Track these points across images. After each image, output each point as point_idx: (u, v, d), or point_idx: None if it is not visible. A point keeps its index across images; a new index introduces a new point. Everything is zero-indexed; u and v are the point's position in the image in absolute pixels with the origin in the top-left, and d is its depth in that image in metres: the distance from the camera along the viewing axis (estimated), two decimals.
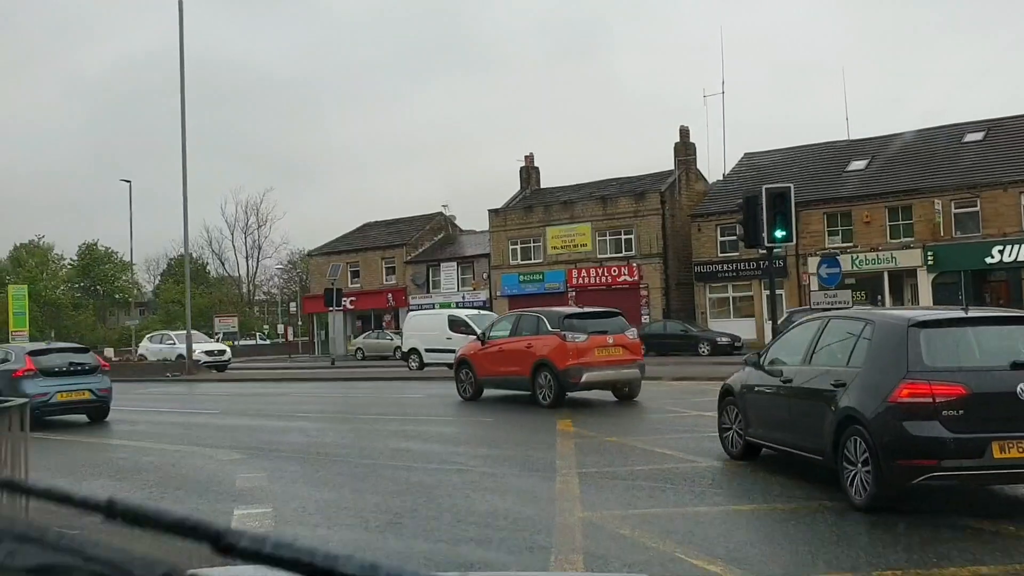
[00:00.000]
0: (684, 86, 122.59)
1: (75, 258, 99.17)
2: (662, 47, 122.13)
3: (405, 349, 33.68)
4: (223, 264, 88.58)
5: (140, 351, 44.33)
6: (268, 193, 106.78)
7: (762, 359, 9.30)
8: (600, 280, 46.07)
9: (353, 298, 54.65)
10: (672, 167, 48.04)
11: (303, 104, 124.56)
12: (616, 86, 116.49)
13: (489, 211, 51.12)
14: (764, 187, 17.19)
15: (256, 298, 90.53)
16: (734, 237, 38.62)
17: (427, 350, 31.10)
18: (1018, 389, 6.55)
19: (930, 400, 6.62)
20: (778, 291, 32.43)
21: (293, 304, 69.08)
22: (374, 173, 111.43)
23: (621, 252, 46.12)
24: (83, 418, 16.88)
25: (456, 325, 29.97)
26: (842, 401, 7.30)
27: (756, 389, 9.26)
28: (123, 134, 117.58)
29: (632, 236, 45.71)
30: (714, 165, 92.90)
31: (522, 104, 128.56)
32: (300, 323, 65.08)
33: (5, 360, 16.21)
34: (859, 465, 7.01)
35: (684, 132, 48.31)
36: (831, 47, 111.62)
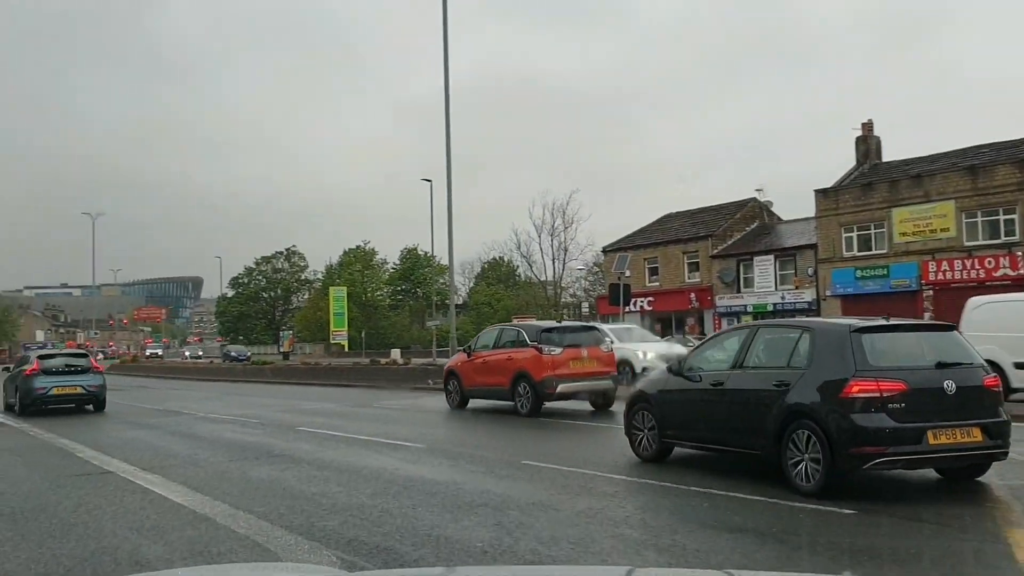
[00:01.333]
0: None
1: (397, 262, 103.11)
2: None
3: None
4: (531, 267, 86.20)
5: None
6: (574, 195, 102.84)
7: (683, 367, 9.80)
8: (968, 275, 35.07)
9: (651, 298, 47.67)
10: None
11: (611, 111, 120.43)
12: (954, 71, 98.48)
13: (816, 192, 41.67)
14: None
15: (562, 300, 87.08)
16: None
17: None
18: (944, 385, 7.72)
19: (877, 395, 7.56)
20: None
21: (586, 305, 63.91)
22: (686, 176, 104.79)
23: (999, 238, 34.81)
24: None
25: None
26: (788, 399, 8.13)
27: (678, 395, 9.75)
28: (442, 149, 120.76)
29: (1015, 216, 34.29)
30: None
31: (844, 95, 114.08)
32: None
33: (25, 361, 21.89)
34: (806, 455, 7.87)
35: None
36: None
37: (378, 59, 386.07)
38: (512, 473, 9.85)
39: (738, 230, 47.86)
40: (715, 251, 46.53)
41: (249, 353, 69.07)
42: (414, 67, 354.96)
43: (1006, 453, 8.07)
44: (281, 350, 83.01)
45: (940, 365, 7.91)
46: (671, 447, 10.01)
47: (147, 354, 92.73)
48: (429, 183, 58.62)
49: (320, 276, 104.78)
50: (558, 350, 16.17)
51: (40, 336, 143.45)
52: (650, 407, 10.11)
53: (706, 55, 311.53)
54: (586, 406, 16.99)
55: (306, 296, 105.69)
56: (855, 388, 7.61)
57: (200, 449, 12.78)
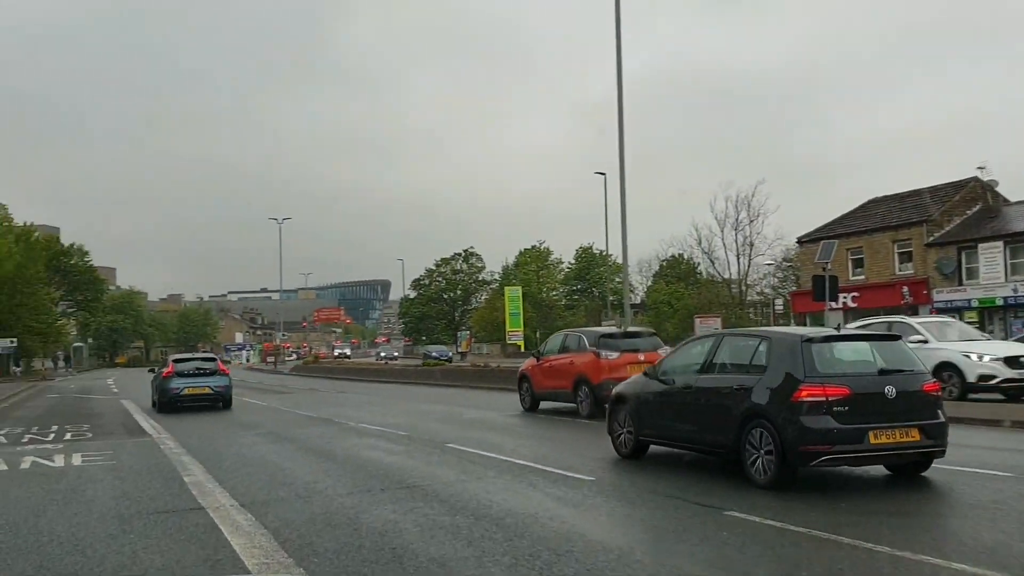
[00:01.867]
0: None
1: (572, 261, 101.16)
2: None
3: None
4: (713, 263, 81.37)
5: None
6: (760, 186, 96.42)
7: (657, 371, 10.71)
8: None
9: (855, 293, 42.58)
10: None
11: (797, 101, 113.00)
12: None
13: None
14: None
15: (748, 298, 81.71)
16: None
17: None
18: (885, 390, 8.44)
19: (823, 399, 8.27)
20: None
21: (779, 302, 58.85)
22: (884, 167, 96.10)
23: None
24: None
25: None
26: (747, 402, 8.86)
27: (652, 396, 10.55)
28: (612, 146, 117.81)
29: None
30: None
31: None
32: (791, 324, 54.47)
33: (164, 364, 24.23)
34: (762, 452, 8.61)
35: None
36: None
37: (553, 62, 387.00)
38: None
39: (958, 214, 41.94)
40: (931, 238, 40.90)
41: (451, 353, 67.61)
42: (590, 67, 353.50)
43: (943, 451, 8.84)
44: (459, 350, 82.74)
45: (882, 372, 8.74)
46: (647, 445, 10.87)
47: (335, 354, 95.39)
48: (603, 176, 55.95)
49: (497, 276, 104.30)
50: (615, 354, 16.82)
51: (239, 338, 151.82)
52: (628, 408, 10.95)
53: (909, 32, 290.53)
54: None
55: (483, 297, 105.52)
56: (804, 393, 8.35)
57: (324, 475, 10.56)
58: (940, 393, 9.17)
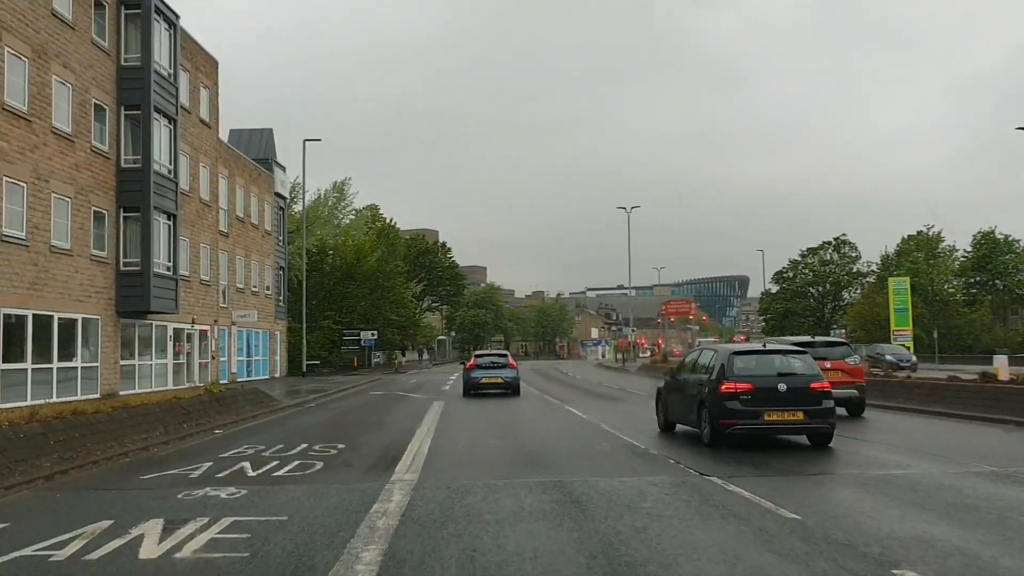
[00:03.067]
0: None
1: (968, 249, 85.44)
2: None
3: None
4: None
5: None
6: None
7: (675, 373, 16.41)
8: None
9: None
10: None
11: None
12: None
13: None
14: None
15: None
16: None
17: None
18: (778, 386, 13.14)
19: (735, 391, 13.08)
20: None
21: None
22: None
23: None
24: None
25: None
26: (701, 393, 13.95)
27: (670, 391, 16.21)
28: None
29: None
30: None
31: None
32: None
33: (462, 361, 36.50)
34: (707, 424, 13.55)
35: None
36: None
37: (929, 36, 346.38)
38: None
39: None
40: None
41: (915, 358, 44.62)
42: (972, 39, 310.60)
43: (828, 428, 13.33)
44: None
45: (779, 375, 13.48)
46: (674, 424, 15.98)
47: None
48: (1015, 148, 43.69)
49: (874, 268, 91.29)
50: None
51: (594, 333, 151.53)
52: (661, 399, 16.73)
53: None
54: (841, 411, 17.45)
55: (858, 291, 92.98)
56: (724, 387, 13.23)
57: None
58: (828, 389, 13.46)
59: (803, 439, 13.87)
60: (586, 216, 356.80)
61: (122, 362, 27.92)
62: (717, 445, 13.15)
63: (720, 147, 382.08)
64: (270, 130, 47.90)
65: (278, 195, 47.60)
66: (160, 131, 29.16)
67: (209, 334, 36.16)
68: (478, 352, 33.24)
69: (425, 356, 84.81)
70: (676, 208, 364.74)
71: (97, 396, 25.65)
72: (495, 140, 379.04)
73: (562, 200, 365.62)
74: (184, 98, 33.12)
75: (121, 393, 25.92)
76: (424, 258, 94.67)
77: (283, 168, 48.93)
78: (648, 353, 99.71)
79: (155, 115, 28.52)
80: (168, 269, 29.61)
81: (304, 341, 49.44)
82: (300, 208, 60.42)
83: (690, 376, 14.91)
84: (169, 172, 29.86)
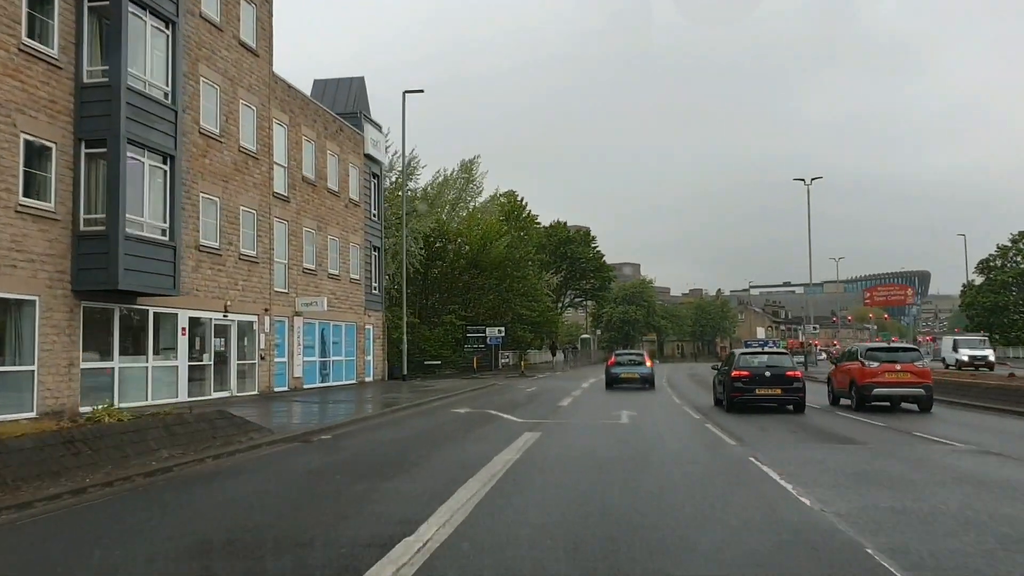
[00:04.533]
0: None
1: None
2: None
3: None
4: None
5: None
6: None
7: (720, 367, 25.07)
8: None
9: None
10: None
11: None
12: None
13: None
14: None
15: None
16: None
17: None
18: (766, 372, 21.56)
19: (739, 375, 21.59)
20: None
21: None
22: None
23: None
24: None
25: None
26: (725, 377, 22.76)
27: (718, 379, 24.22)
28: None
29: None
30: None
31: None
32: None
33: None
34: (726, 396, 22.25)
35: None
36: None
37: None
38: None
39: None
40: None
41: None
42: None
43: (799, 399, 21.32)
44: None
45: (767, 366, 21.85)
46: (722, 400, 23.07)
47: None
48: None
49: None
50: (875, 364, 22.11)
51: (760, 333, 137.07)
52: (715, 384, 24.85)
53: None
54: (914, 407, 22.11)
55: None
56: (734, 373, 21.61)
57: None
58: (800, 376, 21.93)
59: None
60: (746, 211, 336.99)
61: (88, 364, 19.40)
62: (733, 411, 21.38)
63: (891, 136, 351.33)
64: (361, 79, 38.89)
65: (369, 158, 38.66)
66: (145, 34, 20.47)
67: (257, 326, 27.50)
68: (618, 352, 40.33)
69: (560, 357, 74.34)
70: (845, 200, 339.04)
71: (33, 415, 17.16)
72: (647, 131, 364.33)
73: (722, 195, 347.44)
74: (208, 5, 24.56)
75: (84, 410, 17.22)
76: (565, 248, 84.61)
77: (378, 126, 39.91)
78: (823, 356, 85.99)
79: (132, 7, 19.83)
80: (163, 233, 20.93)
81: (404, 338, 40.46)
82: (415, 186, 51.85)
83: (723, 368, 24.03)
84: (166, 96, 21.18)
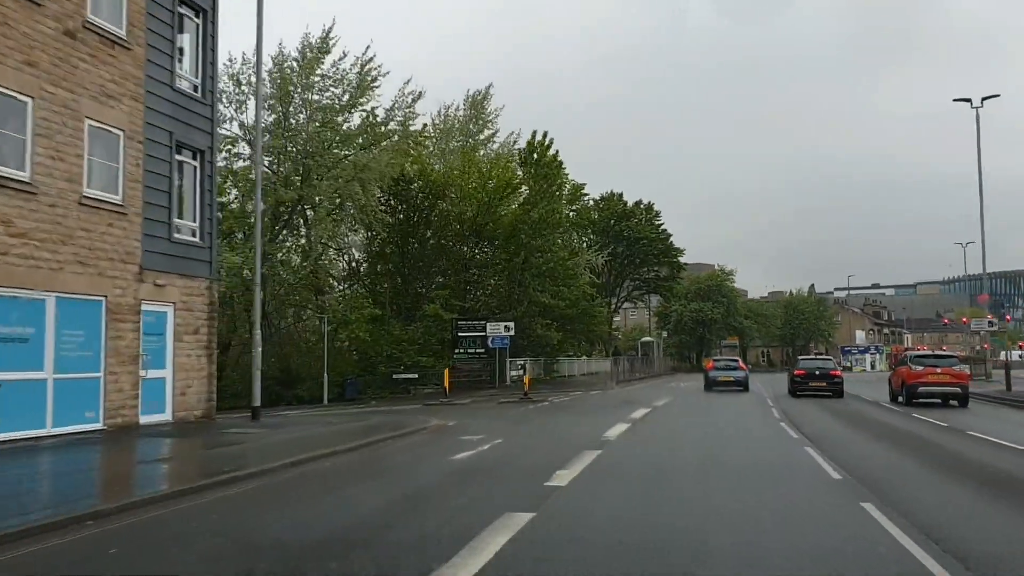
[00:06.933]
0: None
1: None
2: None
3: None
4: None
5: None
6: None
7: (791, 368, 39.30)
8: None
9: None
10: None
11: None
12: None
13: None
14: None
15: None
16: None
17: None
18: (816, 371, 33.77)
19: (798, 373, 34.36)
20: None
21: None
22: None
23: None
24: None
25: None
26: (790, 375, 36.49)
27: (789, 376, 36.46)
28: None
29: None
30: None
31: None
32: None
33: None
34: (789, 388, 35.12)
35: None
36: None
37: None
38: None
39: None
40: None
41: None
42: None
43: (840, 390, 32.63)
44: None
45: (817, 367, 34.38)
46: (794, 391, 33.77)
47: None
48: None
49: None
50: (920, 368, 27.67)
51: (859, 337, 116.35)
52: (788, 380, 36.19)
53: None
54: (954, 404, 27.32)
55: None
56: (795, 373, 34.61)
57: None
58: (839, 375, 33.85)
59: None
60: (829, 214, 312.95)
61: None
62: (795, 396, 31.88)
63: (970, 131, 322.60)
64: None
65: None
66: None
67: None
68: (716, 357, 51.02)
69: (608, 365, 55.51)
70: (933, 198, 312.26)
71: None
72: (716, 134, 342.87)
73: (798, 198, 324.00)
74: None
75: None
76: (621, 225, 66.56)
77: None
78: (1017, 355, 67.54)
79: None
80: None
81: (257, 336, 23.11)
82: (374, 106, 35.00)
83: (790, 369, 37.41)
84: None
